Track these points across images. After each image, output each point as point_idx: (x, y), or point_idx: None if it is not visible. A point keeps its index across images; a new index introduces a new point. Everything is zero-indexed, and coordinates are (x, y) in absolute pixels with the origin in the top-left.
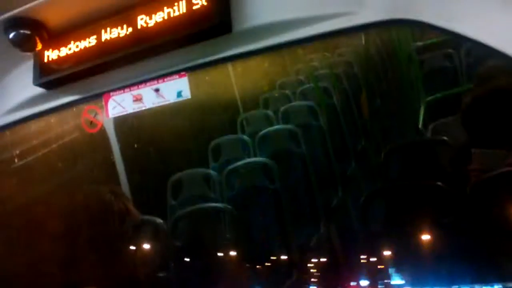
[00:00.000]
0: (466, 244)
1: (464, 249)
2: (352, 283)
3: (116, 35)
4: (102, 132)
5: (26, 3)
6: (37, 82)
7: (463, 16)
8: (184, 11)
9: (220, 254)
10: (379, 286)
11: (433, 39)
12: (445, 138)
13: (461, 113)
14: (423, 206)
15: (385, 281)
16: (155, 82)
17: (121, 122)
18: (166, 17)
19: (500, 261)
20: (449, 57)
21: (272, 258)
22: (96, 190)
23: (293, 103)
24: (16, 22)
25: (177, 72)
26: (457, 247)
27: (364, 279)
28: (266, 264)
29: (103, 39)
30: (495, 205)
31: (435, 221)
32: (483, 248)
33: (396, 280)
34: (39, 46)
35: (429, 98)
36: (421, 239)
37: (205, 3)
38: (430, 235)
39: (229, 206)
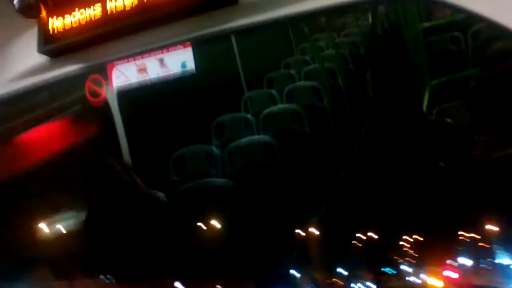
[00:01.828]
0: None
1: None
2: None
3: (122, 4)
4: (105, 104)
5: None
6: (41, 50)
7: None
8: None
9: (220, 229)
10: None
11: (440, 20)
12: (449, 120)
13: (466, 97)
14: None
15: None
16: (160, 52)
17: (124, 95)
18: None
19: None
20: (456, 40)
21: (271, 235)
22: (104, 161)
23: (297, 83)
24: None
25: (182, 42)
26: None
27: None
28: (265, 241)
29: (108, 8)
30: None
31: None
32: None
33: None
34: (44, 13)
35: (434, 81)
36: None
37: None
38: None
39: (231, 182)
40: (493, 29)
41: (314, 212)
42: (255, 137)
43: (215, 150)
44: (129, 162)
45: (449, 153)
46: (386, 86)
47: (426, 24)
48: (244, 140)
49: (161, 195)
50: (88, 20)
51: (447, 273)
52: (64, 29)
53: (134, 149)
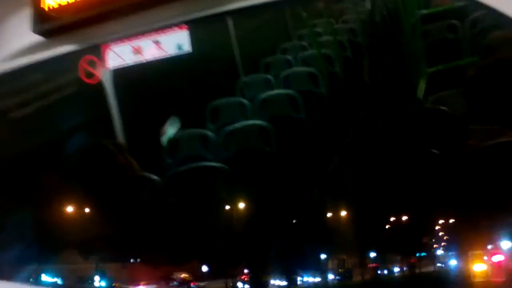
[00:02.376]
0: None
1: None
2: None
3: None
4: (100, 85)
5: None
6: (35, 29)
7: None
8: None
9: (214, 212)
10: None
11: (438, 7)
12: (444, 108)
13: (463, 85)
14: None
15: None
16: (155, 34)
17: (119, 75)
18: None
19: None
20: (453, 28)
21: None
22: (99, 142)
23: (294, 69)
24: None
25: (178, 24)
26: None
27: None
28: (259, 224)
29: None
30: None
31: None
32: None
33: None
34: None
35: (431, 69)
36: None
37: None
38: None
39: (225, 166)
40: (492, 18)
41: (307, 198)
42: (250, 121)
43: (209, 133)
44: (123, 144)
45: (444, 141)
46: (383, 73)
47: (424, 11)
48: (239, 124)
49: (154, 177)
50: (83, 0)
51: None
52: (59, 9)
53: (128, 131)
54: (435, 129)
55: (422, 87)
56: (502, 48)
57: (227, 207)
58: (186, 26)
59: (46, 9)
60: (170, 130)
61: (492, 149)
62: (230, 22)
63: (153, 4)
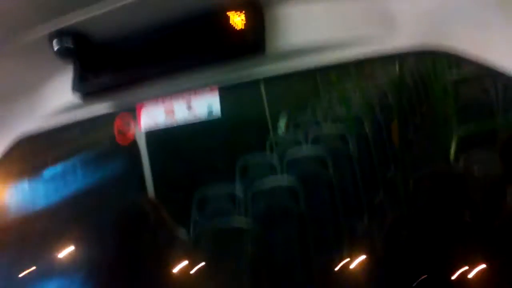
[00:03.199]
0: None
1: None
2: None
3: (154, 50)
4: (133, 143)
5: (72, 17)
6: (76, 89)
7: (500, 49)
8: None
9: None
10: None
11: (470, 71)
12: (476, 168)
13: (499, 146)
14: (449, 238)
15: None
16: (187, 97)
17: (152, 135)
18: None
19: None
20: (486, 91)
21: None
22: (135, 199)
23: (323, 128)
24: (62, 35)
25: (209, 89)
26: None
27: None
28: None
29: (140, 54)
30: None
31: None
32: None
33: None
34: (80, 58)
35: (462, 131)
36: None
37: (240, 24)
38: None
39: (253, 225)
40: None
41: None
42: (279, 178)
43: (238, 191)
44: (159, 202)
45: (476, 204)
46: (413, 135)
47: (456, 75)
48: (268, 182)
49: (183, 232)
50: (121, 63)
51: None
52: (97, 70)
53: (159, 188)
54: (467, 190)
55: (453, 147)
56: None
57: (254, 267)
58: (217, 90)
59: (86, 71)
60: (281, 122)
61: None
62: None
63: (186, 68)
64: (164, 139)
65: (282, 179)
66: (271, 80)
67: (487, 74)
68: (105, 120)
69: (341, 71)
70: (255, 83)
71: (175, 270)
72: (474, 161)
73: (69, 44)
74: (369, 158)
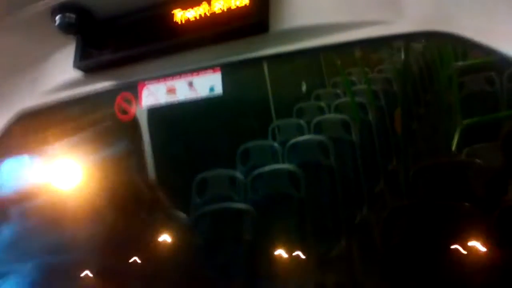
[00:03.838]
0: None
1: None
2: None
3: (156, 27)
4: (134, 121)
5: None
6: (77, 65)
7: (507, 34)
8: (223, 8)
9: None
10: None
11: (475, 60)
12: (479, 161)
13: (501, 139)
14: (448, 226)
15: None
16: (189, 75)
17: (154, 114)
18: (204, 13)
19: None
20: (491, 80)
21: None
22: (130, 178)
23: (326, 115)
24: (63, 9)
25: (211, 67)
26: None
27: None
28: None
29: (143, 30)
30: None
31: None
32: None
33: None
34: (82, 32)
35: (466, 121)
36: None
37: (244, 1)
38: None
39: (252, 208)
40: None
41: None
42: (280, 165)
43: (238, 175)
44: (155, 181)
45: (478, 194)
46: (417, 123)
47: (461, 64)
48: (269, 167)
49: (182, 215)
50: (123, 40)
51: None
52: (99, 47)
53: (160, 168)
54: (469, 182)
55: (456, 139)
56: None
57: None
58: (220, 69)
59: (88, 46)
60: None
61: None
62: (265, 66)
63: (189, 47)
64: (166, 120)
65: (283, 165)
66: (274, 60)
67: (491, 60)
68: (106, 98)
69: (345, 57)
70: (258, 64)
71: (170, 250)
72: (477, 153)
73: (72, 19)
74: (372, 146)
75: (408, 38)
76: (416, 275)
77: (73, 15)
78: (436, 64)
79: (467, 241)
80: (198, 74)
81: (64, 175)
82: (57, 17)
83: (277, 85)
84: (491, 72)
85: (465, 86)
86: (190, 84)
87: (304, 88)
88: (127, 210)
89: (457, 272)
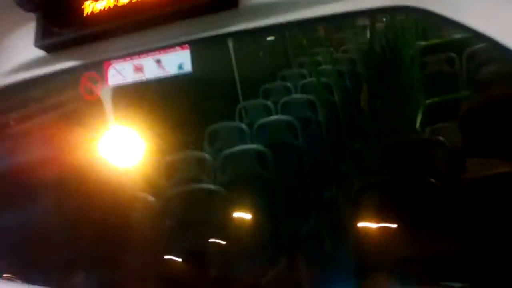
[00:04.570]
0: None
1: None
2: None
3: (121, 2)
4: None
5: None
6: (38, 44)
7: (475, 9)
8: None
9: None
10: None
11: (436, 40)
12: (441, 138)
13: (458, 119)
14: (415, 202)
15: None
16: (157, 52)
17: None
18: None
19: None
20: (451, 61)
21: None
22: (91, 161)
23: (293, 95)
24: None
25: (180, 44)
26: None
27: None
28: (255, 249)
29: (107, 5)
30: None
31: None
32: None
33: None
34: (42, 7)
35: (428, 101)
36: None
37: None
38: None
39: (222, 189)
40: (490, 51)
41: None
42: (248, 146)
43: (207, 157)
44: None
45: (441, 171)
46: (381, 103)
47: (423, 43)
48: (237, 148)
49: (150, 198)
50: (86, 17)
51: None
52: (62, 24)
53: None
54: (432, 159)
55: (419, 118)
56: (496, 82)
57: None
58: (188, 46)
59: (50, 24)
60: None
61: (489, 181)
62: (231, 46)
63: (156, 24)
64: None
65: (252, 145)
66: (243, 36)
67: (452, 40)
68: (70, 77)
69: (310, 37)
70: (226, 41)
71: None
72: (439, 132)
73: None
74: (338, 126)
75: (378, 12)
76: (386, 250)
77: None
78: (399, 43)
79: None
80: (166, 52)
81: (27, 158)
82: None
83: (243, 66)
84: (451, 53)
85: (426, 66)
86: (158, 62)
87: None
88: (91, 194)
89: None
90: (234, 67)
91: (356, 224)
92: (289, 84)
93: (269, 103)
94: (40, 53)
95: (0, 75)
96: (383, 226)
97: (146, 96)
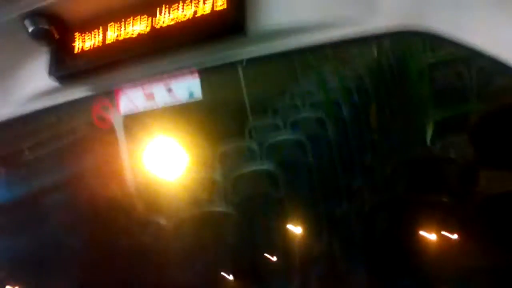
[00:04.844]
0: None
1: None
2: None
3: (131, 32)
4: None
5: None
6: (52, 74)
7: (478, 30)
8: (198, 11)
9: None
10: None
11: (445, 56)
12: (452, 156)
13: (469, 132)
14: (427, 220)
15: None
16: (167, 80)
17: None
18: (180, 16)
19: None
20: (460, 75)
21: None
22: (104, 185)
23: (302, 114)
24: (35, 16)
25: (189, 71)
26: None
27: None
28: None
29: (119, 35)
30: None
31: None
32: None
33: None
34: (56, 40)
35: (438, 115)
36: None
37: (220, 4)
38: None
39: (233, 212)
40: (495, 66)
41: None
42: (259, 166)
43: (218, 178)
44: (130, 188)
45: (453, 187)
46: (390, 119)
47: (431, 60)
48: (248, 169)
49: (162, 221)
50: (98, 47)
51: None
52: (75, 54)
53: (139, 175)
54: (444, 176)
55: (429, 133)
56: (503, 95)
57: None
58: (198, 73)
59: (63, 55)
60: None
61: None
62: (239, 69)
63: (165, 50)
64: (142, 126)
65: (262, 164)
66: (251, 62)
67: (465, 55)
68: (82, 106)
69: (318, 54)
70: (235, 65)
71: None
72: (451, 146)
73: (44, 25)
74: (347, 143)
75: (382, 37)
76: (398, 267)
77: (46, 25)
78: (406, 59)
79: (445, 234)
80: (176, 79)
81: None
82: (29, 24)
83: (252, 86)
84: (461, 67)
85: (435, 80)
86: (169, 90)
87: None
88: (106, 219)
89: (436, 264)
90: (243, 87)
91: (369, 241)
92: (298, 102)
93: (278, 121)
94: (54, 82)
95: (15, 104)
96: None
97: (157, 121)
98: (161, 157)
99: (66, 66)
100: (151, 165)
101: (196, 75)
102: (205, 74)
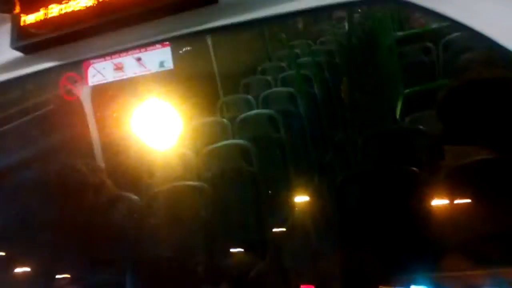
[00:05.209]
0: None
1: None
2: None
3: (99, 1)
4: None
5: None
6: (15, 46)
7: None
8: None
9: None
10: None
11: (413, 30)
12: (421, 127)
13: (436, 106)
14: (398, 191)
15: None
16: (137, 51)
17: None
18: None
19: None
20: (428, 50)
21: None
22: (71, 162)
23: (274, 89)
24: None
25: (160, 41)
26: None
27: None
28: (240, 244)
29: (85, 4)
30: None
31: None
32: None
33: None
34: (18, 8)
35: (407, 91)
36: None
37: None
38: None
39: (206, 185)
40: (465, 39)
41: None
42: (230, 141)
43: (189, 153)
44: (98, 164)
45: (423, 159)
46: (360, 94)
47: (400, 34)
48: (219, 144)
49: (133, 197)
50: (64, 16)
51: None
52: (39, 24)
53: (107, 150)
54: (413, 148)
55: (399, 107)
56: (470, 69)
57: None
58: (169, 44)
59: (26, 25)
60: None
61: (468, 168)
62: (209, 42)
63: (135, 22)
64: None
65: (235, 140)
66: (223, 32)
67: (429, 30)
68: (48, 78)
69: (288, 30)
70: (206, 35)
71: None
72: (419, 121)
73: None
74: (318, 118)
75: (357, 4)
76: (372, 239)
77: None
78: (376, 34)
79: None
80: (146, 50)
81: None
82: None
83: (223, 61)
84: (428, 43)
85: (404, 56)
86: (139, 60)
87: None
88: (73, 196)
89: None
90: (214, 63)
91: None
92: (269, 78)
93: (249, 97)
94: (17, 54)
95: None
96: (365, 217)
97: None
98: (132, 130)
99: (29, 37)
100: (121, 140)
101: (167, 44)
102: (176, 44)
